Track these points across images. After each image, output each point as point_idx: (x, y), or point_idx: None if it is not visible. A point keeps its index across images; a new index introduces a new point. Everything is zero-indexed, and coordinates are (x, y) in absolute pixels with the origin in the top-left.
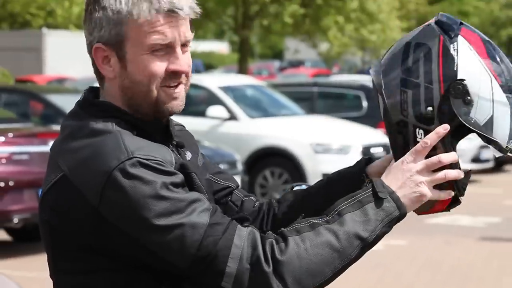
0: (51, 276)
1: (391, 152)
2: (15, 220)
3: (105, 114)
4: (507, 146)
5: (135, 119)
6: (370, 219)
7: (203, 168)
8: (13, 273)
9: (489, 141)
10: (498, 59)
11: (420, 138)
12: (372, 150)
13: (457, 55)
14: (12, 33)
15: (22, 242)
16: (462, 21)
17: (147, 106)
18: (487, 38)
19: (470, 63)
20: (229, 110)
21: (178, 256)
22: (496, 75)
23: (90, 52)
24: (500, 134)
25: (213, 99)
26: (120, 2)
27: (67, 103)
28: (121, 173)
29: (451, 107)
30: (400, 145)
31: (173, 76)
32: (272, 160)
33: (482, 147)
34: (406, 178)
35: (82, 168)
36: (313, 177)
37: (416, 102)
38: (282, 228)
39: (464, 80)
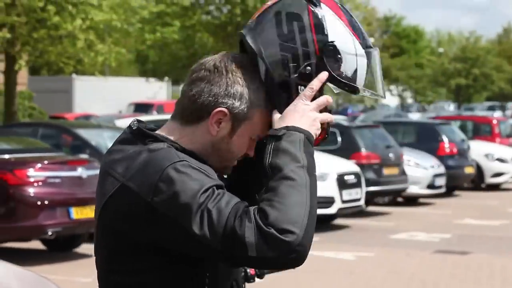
0: (101, 276)
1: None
2: (49, 232)
3: (159, 142)
4: (362, 90)
5: (186, 150)
6: (293, 152)
7: None
8: (48, 277)
9: (351, 88)
10: (353, 20)
11: (303, 89)
12: (345, 178)
13: (324, 21)
14: (48, 78)
15: (55, 251)
16: None
17: (217, 164)
18: (338, 2)
19: (335, 27)
20: None
21: (212, 237)
22: (356, 34)
23: (201, 106)
24: (359, 82)
25: None
26: None
27: (92, 136)
28: (173, 169)
29: (325, 65)
30: (284, 101)
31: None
32: None
33: (436, 175)
34: (302, 115)
35: (138, 174)
36: None
37: (296, 64)
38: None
39: (334, 41)
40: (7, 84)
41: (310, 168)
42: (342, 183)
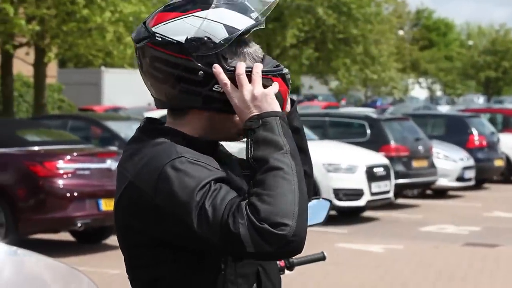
0: (127, 272)
1: None
2: (78, 224)
3: (164, 135)
4: (257, 20)
5: (192, 138)
6: (274, 140)
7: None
8: (78, 268)
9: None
10: (177, 3)
11: (219, 87)
12: (375, 170)
13: (165, 36)
14: (77, 71)
15: (84, 243)
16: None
17: (230, 133)
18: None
19: (174, 29)
20: None
21: (211, 235)
22: (190, 11)
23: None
24: (239, 23)
25: None
26: None
27: (121, 128)
28: (171, 168)
29: (204, 57)
30: (224, 105)
31: None
32: None
33: (465, 168)
34: (256, 99)
35: (141, 171)
36: (326, 192)
37: (192, 81)
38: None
39: (186, 36)
40: (36, 76)
41: (293, 151)
42: (371, 176)
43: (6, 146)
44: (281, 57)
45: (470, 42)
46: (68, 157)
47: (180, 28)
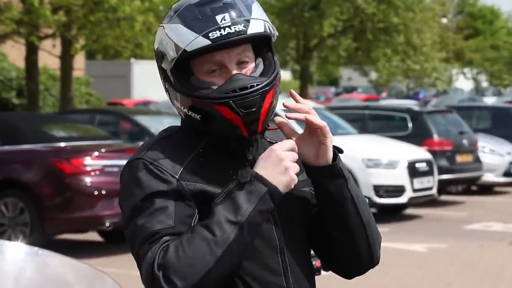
0: None
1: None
2: (107, 223)
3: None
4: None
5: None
6: (240, 204)
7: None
8: (105, 269)
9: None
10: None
11: (180, 107)
12: (417, 165)
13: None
14: (106, 63)
15: (113, 243)
16: None
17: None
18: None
19: (157, 33)
20: None
21: (132, 244)
22: (165, 21)
23: None
24: (182, 40)
25: None
26: None
27: (151, 123)
28: (128, 168)
29: (163, 69)
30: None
31: None
32: None
33: None
34: (273, 163)
35: None
36: (365, 188)
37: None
38: None
39: (157, 47)
40: (63, 69)
41: (248, 226)
42: (413, 171)
43: (31, 142)
44: (318, 48)
45: None
46: (96, 153)
47: (157, 36)
